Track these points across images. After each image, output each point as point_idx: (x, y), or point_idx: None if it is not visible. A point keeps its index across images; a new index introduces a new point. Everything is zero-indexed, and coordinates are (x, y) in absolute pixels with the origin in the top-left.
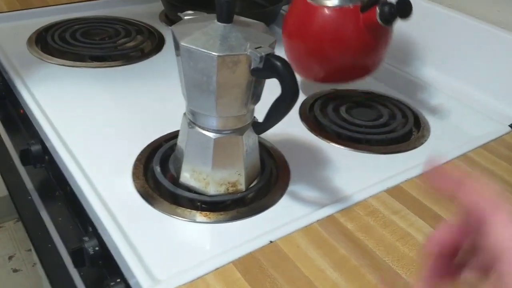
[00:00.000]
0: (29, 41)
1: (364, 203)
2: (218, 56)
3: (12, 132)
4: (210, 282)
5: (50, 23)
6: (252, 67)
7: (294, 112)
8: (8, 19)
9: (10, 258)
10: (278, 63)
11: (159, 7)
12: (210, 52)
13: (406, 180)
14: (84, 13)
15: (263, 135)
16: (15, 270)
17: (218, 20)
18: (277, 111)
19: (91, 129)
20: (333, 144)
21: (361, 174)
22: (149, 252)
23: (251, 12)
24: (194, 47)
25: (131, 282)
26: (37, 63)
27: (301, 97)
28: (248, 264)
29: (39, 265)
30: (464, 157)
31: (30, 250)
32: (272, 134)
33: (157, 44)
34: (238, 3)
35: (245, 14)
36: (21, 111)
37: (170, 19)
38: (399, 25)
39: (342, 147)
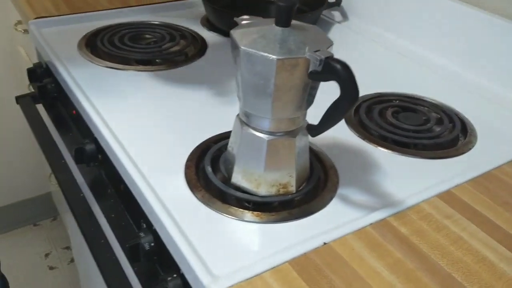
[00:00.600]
0: (79, 44)
1: (417, 207)
2: (278, 59)
3: (63, 131)
4: (268, 280)
5: (99, 27)
6: (310, 70)
7: None
8: (58, 23)
9: (46, 255)
10: (338, 66)
11: (201, 12)
12: (270, 56)
13: (456, 186)
14: (129, 18)
15: (309, 139)
16: (51, 268)
17: (277, 24)
18: (335, 114)
19: (142, 130)
20: (380, 148)
21: (410, 178)
22: (205, 249)
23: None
24: (253, 50)
25: (188, 278)
26: (88, 66)
27: None
28: (304, 264)
29: (76, 263)
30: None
31: (66, 248)
32: (318, 138)
33: (200, 48)
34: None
35: None
36: (73, 111)
37: (211, 23)
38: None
39: (389, 151)
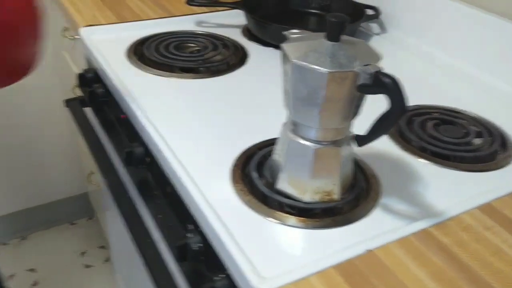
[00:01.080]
0: (128, 51)
1: (458, 218)
2: (329, 72)
3: (111, 134)
4: (314, 283)
5: (145, 36)
6: (359, 83)
7: None
8: (106, 31)
9: (82, 254)
10: (388, 80)
11: (242, 22)
12: (321, 69)
13: (496, 198)
14: (172, 27)
15: None
16: (87, 266)
17: (328, 39)
18: (383, 126)
19: (188, 136)
20: (420, 159)
21: (450, 190)
22: (252, 250)
23: None
24: (305, 63)
25: (237, 278)
26: (136, 73)
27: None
28: (348, 270)
29: (113, 262)
30: None
31: (101, 247)
32: (359, 148)
33: (241, 57)
34: (315, 20)
35: (324, 31)
36: (122, 116)
37: (252, 33)
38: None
39: (429, 162)
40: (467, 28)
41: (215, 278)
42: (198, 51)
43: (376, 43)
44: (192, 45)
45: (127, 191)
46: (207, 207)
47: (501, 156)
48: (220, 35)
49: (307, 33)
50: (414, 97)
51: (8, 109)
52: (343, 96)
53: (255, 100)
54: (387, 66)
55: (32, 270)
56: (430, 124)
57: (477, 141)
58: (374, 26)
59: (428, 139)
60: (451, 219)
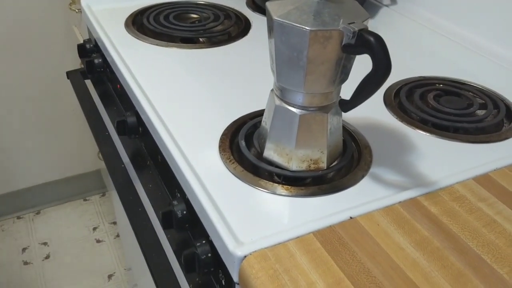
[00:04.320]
0: (126, 22)
1: (450, 189)
2: (311, 30)
3: (108, 105)
4: (291, 248)
5: (145, 6)
6: (343, 43)
7: (379, 98)
8: (107, 1)
9: (94, 229)
10: (371, 38)
11: None
12: (303, 27)
13: (495, 169)
14: None
15: (345, 118)
16: (98, 241)
17: None
18: (367, 88)
19: (182, 105)
20: (419, 131)
21: (447, 161)
22: (234, 217)
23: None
24: (287, 21)
25: (216, 244)
26: (133, 43)
27: (386, 83)
28: (328, 236)
29: (121, 237)
30: None
31: (113, 223)
32: (355, 118)
33: (244, 28)
34: None
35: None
36: (118, 86)
37: (257, 4)
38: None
39: (428, 134)
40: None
41: (197, 244)
42: (199, 21)
43: (385, 14)
44: (194, 15)
45: (122, 161)
46: (191, 175)
47: (506, 128)
48: (224, 6)
49: None
50: (419, 68)
51: (23, 83)
52: (327, 57)
53: (253, 70)
54: (394, 37)
55: (45, 243)
56: (431, 95)
57: (481, 112)
58: None
59: (427, 110)
60: (443, 189)
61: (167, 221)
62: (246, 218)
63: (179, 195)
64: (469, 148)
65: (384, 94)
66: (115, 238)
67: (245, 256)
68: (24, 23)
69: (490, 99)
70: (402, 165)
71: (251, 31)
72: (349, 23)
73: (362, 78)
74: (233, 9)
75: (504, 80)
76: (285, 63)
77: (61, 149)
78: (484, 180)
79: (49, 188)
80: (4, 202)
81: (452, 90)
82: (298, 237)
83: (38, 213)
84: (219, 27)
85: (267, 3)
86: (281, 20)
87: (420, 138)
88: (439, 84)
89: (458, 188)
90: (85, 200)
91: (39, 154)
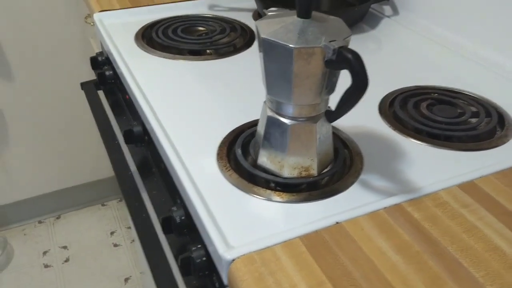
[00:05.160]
0: (136, 35)
1: (434, 195)
2: (295, 48)
3: (118, 115)
4: (277, 252)
5: (155, 20)
6: (326, 59)
7: (373, 107)
8: (119, 16)
9: (111, 233)
10: (350, 56)
11: (253, 5)
12: (288, 44)
13: (480, 177)
14: (185, 11)
15: (340, 127)
16: (115, 245)
17: (298, 16)
18: (348, 101)
19: (185, 114)
20: (411, 139)
21: (435, 168)
22: (226, 223)
23: (341, 11)
24: (273, 39)
25: (209, 248)
26: (142, 56)
27: (382, 93)
28: (313, 240)
29: (136, 241)
30: None
31: (129, 227)
32: (350, 126)
33: (248, 40)
34: (327, 1)
35: (335, 13)
36: (127, 96)
37: (261, 17)
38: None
39: (419, 142)
40: (476, 7)
41: (193, 248)
42: (206, 33)
43: (387, 25)
44: (201, 28)
45: (129, 169)
46: (187, 181)
47: (498, 136)
48: (230, 18)
49: (285, 11)
50: (416, 78)
51: (42, 92)
52: (312, 72)
53: (255, 80)
54: (394, 47)
55: (64, 247)
56: (424, 104)
57: (473, 120)
58: (386, 9)
59: (420, 119)
60: (427, 195)
61: (167, 226)
62: (238, 223)
63: (179, 202)
64: (458, 156)
65: (380, 103)
66: (131, 242)
67: (233, 260)
68: (43, 34)
69: (483, 107)
70: (391, 172)
71: (255, 42)
72: (331, 41)
73: (344, 91)
74: (239, 21)
75: (498, 88)
76: (274, 77)
77: (80, 156)
78: (469, 187)
79: (69, 194)
80: (27, 207)
81: (445, 99)
82: (285, 241)
83: (58, 217)
84: (225, 39)
85: (257, 22)
86: (268, 38)
87: (412, 146)
88: (434, 93)
89: (442, 195)
90: (103, 205)
91: (59, 161)
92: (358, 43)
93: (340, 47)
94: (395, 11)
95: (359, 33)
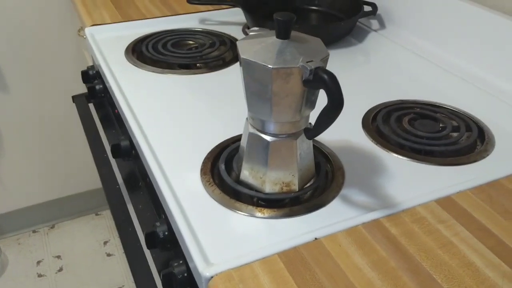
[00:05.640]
0: (127, 50)
1: (412, 210)
2: (273, 68)
3: (107, 128)
4: (255, 269)
5: (146, 34)
6: (303, 79)
7: (357, 121)
8: (111, 30)
9: (105, 243)
10: (325, 76)
11: (244, 19)
12: (266, 65)
13: (458, 192)
14: (176, 25)
15: (323, 141)
16: (108, 255)
17: (277, 37)
18: (324, 120)
19: (172, 129)
20: (393, 154)
21: (414, 183)
22: (207, 239)
23: (330, 25)
24: (252, 60)
25: (190, 265)
26: (132, 70)
27: (366, 107)
28: (291, 257)
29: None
30: None
31: None
32: (333, 140)
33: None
34: (315, 16)
35: (323, 27)
36: (116, 110)
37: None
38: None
39: (401, 157)
40: (460, 22)
41: (175, 264)
42: (196, 47)
43: (373, 38)
44: (191, 42)
45: (117, 182)
46: (170, 196)
47: (477, 150)
48: (220, 32)
49: (265, 31)
50: (400, 92)
51: (37, 102)
52: (290, 91)
53: (242, 94)
54: (380, 61)
55: (58, 256)
56: (406, 118)
57: (454, 135)
58: (374, 23)
59: (401, 134)
60: (405, 211)
61: (150, 241)
62: (219, 239)
63: (163, 216)
64: (438, 171)
65: (363, 117)
66: (124, 252)
67: (212, 277)
68: (37, 46)
69: (464, 121)
70: (371, 187)
71: None
72: (308, 61)
73: (321, 110)
74: (228, 35)
75: (479, 102)
76: (254, 95)
77: (74, 166)
78: (446, 202)
79: (63, 203)
80: (21, 217)
81: (427, 113)
82: (264, 258)
83: (52, 227)
84: (215, 53)
85: (238, 42)
86: (248, 58)
87: (393, 161)
88: (416, 107)
89: (419, 210)
90: (97, 214)
91: (54, 171)
92: (345, 56)
93: (317, 68)
94: (382, 25)
95: (347, 46)
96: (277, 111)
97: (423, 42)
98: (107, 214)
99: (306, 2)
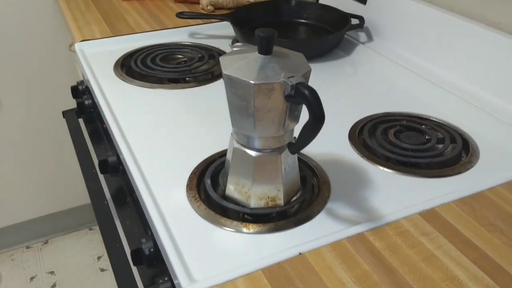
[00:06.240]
0: (116, 64)
1: (396, 223)
2: (254, 84)
3: (96, 143)
4: (238, 285)
5: (135, 48)
6: (285, 94)
7: (344, 134)
8: (100, 45)
9: (98, 258)
10: (306, 92)
11: (232, 33)
12: (248, 81)
13: (442, 204)
14: (166, 39)
15: (310, 154)
16: (102, 270)
17: (259, 52)
18: (307, 134)
19: (159, 144)
20: (379, 167)
21: (399, 196)
22: (192, 255)
23: (318, 37)
24: (234, 75)
25: (174, 282)
26: (120, 85)
27: (352, 120)
28: (275, 273)
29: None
30: (509, 185)
31: None
32: (320, 154)
33: None
34: (304, 29)
35: (311, 41)
36: (104, 126)
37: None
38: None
39: (387, 169)
40: (446, 35)
41: (160, 281)
42: (185, 61)
43: (361, 51)
44: (180, 56)
45: (105, 198)
46: (155, 212)
47: (462, 162)
48: (209, 46)
49: (249, 46)
50: (387, 104)
51: (30, 116)
52: (273, 106)
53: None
54: (366, 73)
55: (51, 272)
56: (392, 131)
57: (439, 146)
58: (361, 35)
59: (387, 146)
60: (389, 224)
61: (136, 258)
62: (204, 256)
63: (149, 233)
64: (423, 183)
65: (350, 130)
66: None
67: None
68: (30, 60)
69: (448, 133)
70: (357, 200)
71: None
72: (289, 77)
73: (303, 125)
74: (218, 48)
75: (463, 114)
76: (237, 110)
77: (67, 181)
78: (429, 215)
79: (56, 218)
80: (15, 232)
81: (413, 125)
82: (247, 274)
83: (46, 242)
84: (204, 67)
85: (220, 57)
86: (230, 74)
87: (379, 173)
88: (402, 119)
89: (403, 223)
90: (90, 229)
91: (47, 186)
92: (333, 68)
93: (298, 83)
94: (369, 37)
95: (335, 59)
96: (261, 126)
97: (409, 55)
98: None
99: (294, 16)
